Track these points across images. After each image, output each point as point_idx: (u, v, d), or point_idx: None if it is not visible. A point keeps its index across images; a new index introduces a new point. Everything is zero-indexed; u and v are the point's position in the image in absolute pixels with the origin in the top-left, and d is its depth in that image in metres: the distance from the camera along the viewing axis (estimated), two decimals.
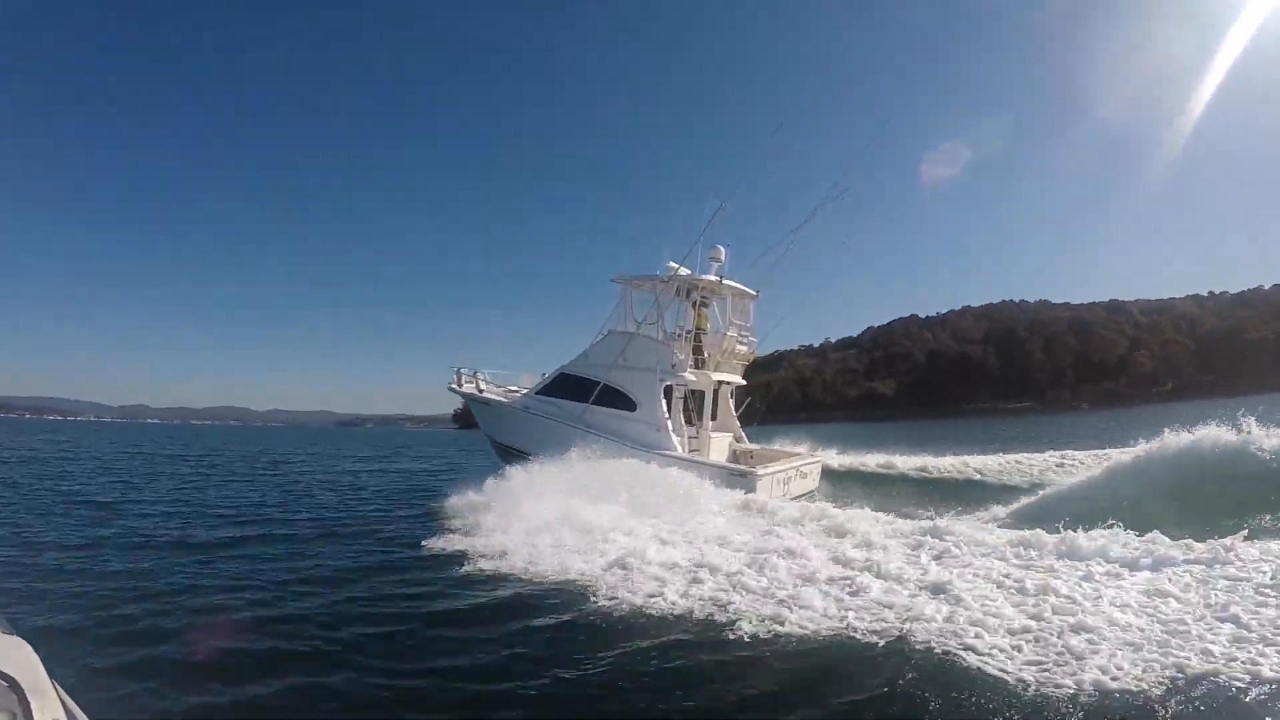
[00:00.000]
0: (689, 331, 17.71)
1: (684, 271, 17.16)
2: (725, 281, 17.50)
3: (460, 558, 10.23)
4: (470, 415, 21.87)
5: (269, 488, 21.79)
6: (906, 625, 6.30)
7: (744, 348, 19.05)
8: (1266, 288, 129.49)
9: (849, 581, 7.64)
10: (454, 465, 31.89)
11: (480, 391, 19.60)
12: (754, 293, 18.93)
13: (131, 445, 48.14)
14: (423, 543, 11.40)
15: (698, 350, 17.63)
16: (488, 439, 20.15)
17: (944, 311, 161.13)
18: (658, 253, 17.75)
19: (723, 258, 17.86)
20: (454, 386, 19.98)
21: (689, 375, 16.74)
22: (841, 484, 19.15)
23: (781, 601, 7.27)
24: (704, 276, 17.36)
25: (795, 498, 15.55)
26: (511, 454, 18.00)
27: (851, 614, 6.76)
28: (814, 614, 6.88)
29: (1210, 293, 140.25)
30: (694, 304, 18.21)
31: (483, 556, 10.05)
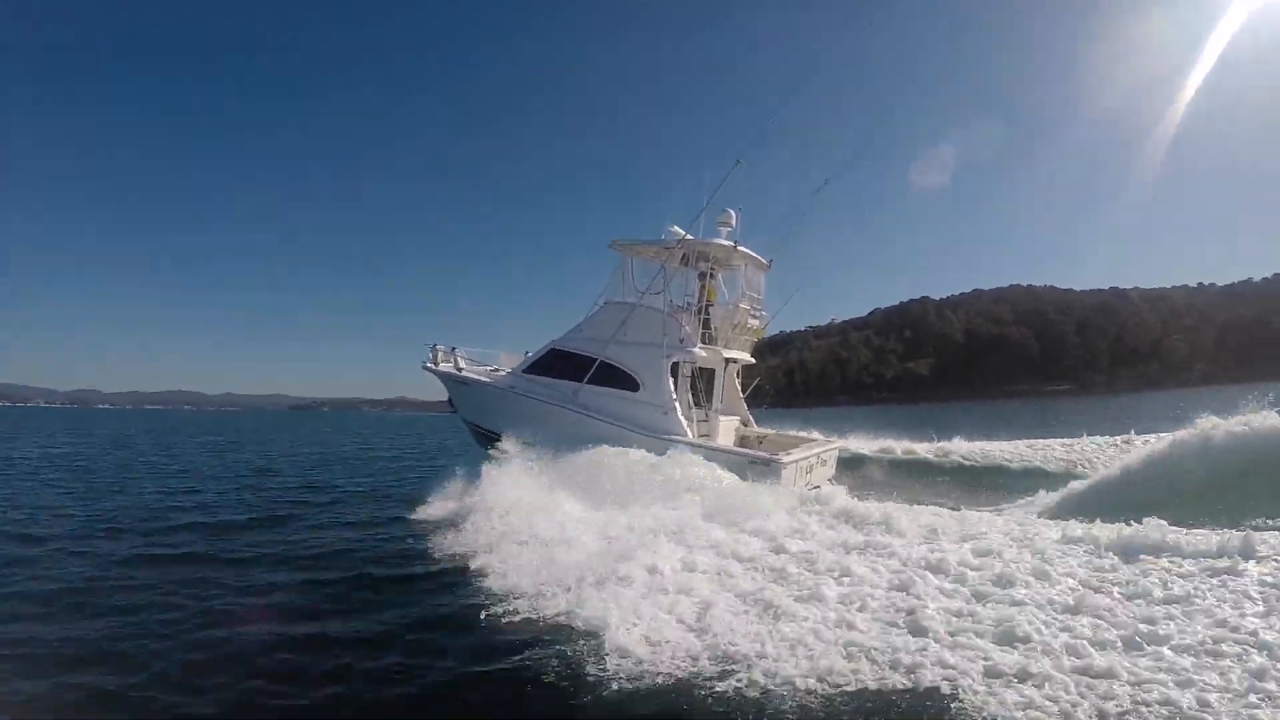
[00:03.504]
0: (697, 304, 17.24)
1: (680, 235, 16.72)
2: (739, 248, 16.99)
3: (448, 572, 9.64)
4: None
5: None
6: None
7: (755, 322, 18.61)
8: (1256, 280, 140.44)
9: None
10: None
11: (460, 370, 19.16)
12: (767, 262, 18.47)
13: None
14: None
15: (705, 324, 17.16)
16: (465, 423, 19.72)
17: (955, 293, 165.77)
18: (658, 219, 17.20)
19: (733, 222, 17.25)
20: (429, 365, 19.47)
21: (700, 351, 16.35)
22: (860, 471, 18.95)
23: None
24: (716, 241, 16.84)
25: (814, 488, 15.24)
26: (493, 440, 17.62)
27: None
28: None
29: (1200, 284, 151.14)
30: (701, 274, 17.75)
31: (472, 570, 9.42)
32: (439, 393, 20.54)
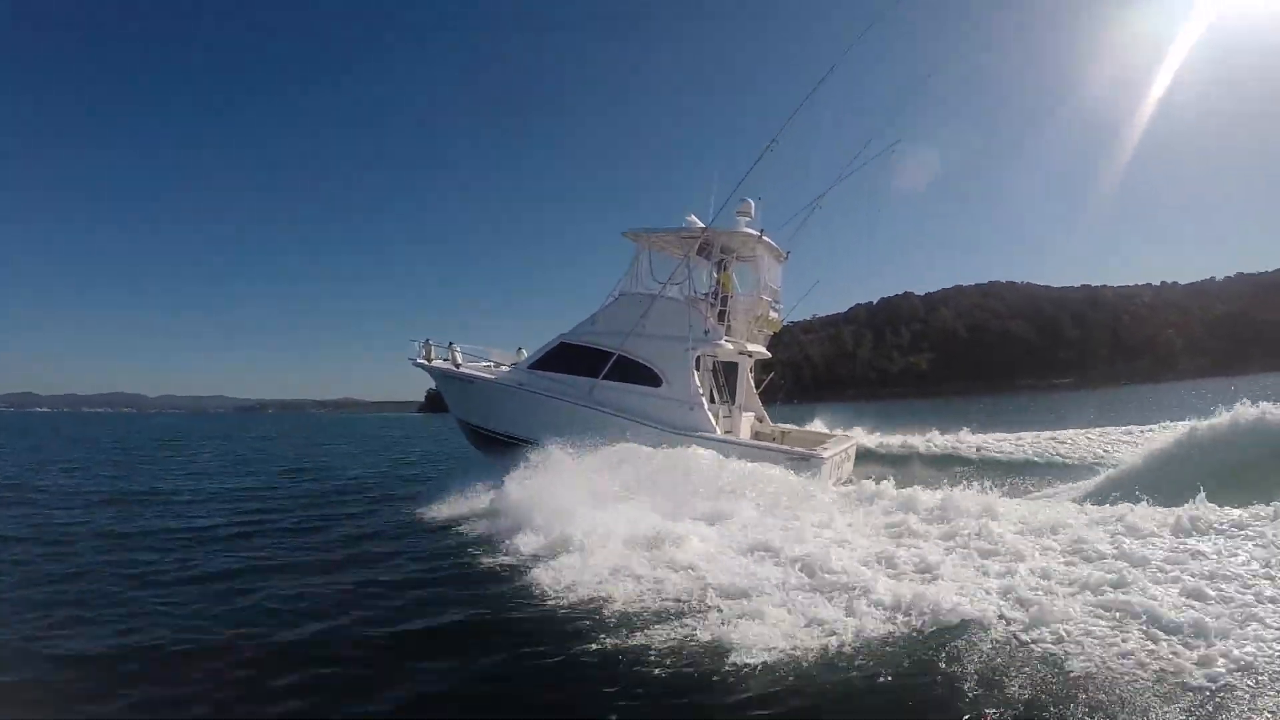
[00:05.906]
0: (717, 295, 17.27)
1: (699, 225, 16.81)
2: (763, 238, 17.04)
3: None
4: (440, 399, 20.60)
5: None
6: None
7: (775, 315, 18.77)
8: (1219, 279, 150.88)
9: None
10: None
11: (458, 367, 18.74)
12: (785, 253, 18.64)
13: None
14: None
15: (721, 316, 17.14)
16: (461, 424, 19.38)
17: (935, 289, 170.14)
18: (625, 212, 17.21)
19: (753, 212, 17.34)
20: (420, 361, 18.97)
21: (726, 344, 16.38)
22: (872, 466, 18.96)
23: None
24: (741, 230, 16.91)
25: (842, 483, 15.41)
26: (497, 441, 17.44)
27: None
28: None
29: (1163, 282, 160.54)
30: (718, 264, 17.79)
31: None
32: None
